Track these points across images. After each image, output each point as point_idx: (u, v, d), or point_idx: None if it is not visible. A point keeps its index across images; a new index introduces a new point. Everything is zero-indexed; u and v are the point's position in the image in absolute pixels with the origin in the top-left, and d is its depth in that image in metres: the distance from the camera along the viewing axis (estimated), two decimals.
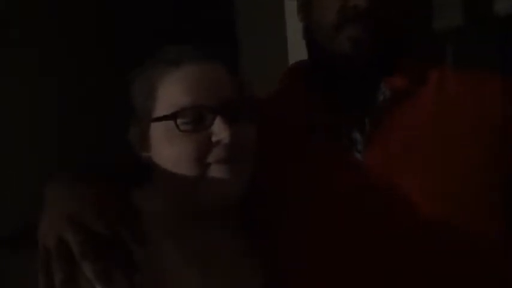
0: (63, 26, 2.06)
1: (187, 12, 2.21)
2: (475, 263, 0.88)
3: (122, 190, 0.84)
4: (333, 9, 0.95)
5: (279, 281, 0.91)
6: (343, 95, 0.99)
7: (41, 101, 1.99)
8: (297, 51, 1.09)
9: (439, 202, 0.90)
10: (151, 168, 0.90)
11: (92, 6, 2.12)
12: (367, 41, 0.94)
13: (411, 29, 1.08)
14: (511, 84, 0.97)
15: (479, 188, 0.91)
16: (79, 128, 2.01)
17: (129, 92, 0.92)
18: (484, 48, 1.61)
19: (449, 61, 1.62)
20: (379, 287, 0.88)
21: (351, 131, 0.96)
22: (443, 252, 0.88)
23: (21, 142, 1.92)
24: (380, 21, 0.94)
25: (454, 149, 0.92)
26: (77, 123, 2.02)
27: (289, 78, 1.09)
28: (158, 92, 0.88)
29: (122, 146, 0.92)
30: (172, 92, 0.86)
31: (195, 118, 0.85)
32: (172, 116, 0.84)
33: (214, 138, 0.84)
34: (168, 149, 0.86)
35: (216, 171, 0.85)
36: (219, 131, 0.84)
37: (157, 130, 0.87)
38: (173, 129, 0.84)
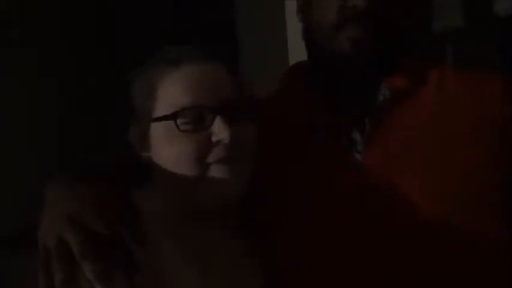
0: (63, 26, 2.06)
1: (187, 12, 2.21)
2: (475, 263, 0.88)
3: (122, 190, 0.84)
4: (332, 9, 0.95)
5: (279, 281, 0.91)
6: (343, 95, 0.99)
7: (41, 101, 1.98)
8: (297, 51, 1.09)
9: (439, 202, 0.90)
10: (151, 168, 0.90)
11: (92, 6, 2.12)
12: (366, 41, 0.94)
13: (411, 29, 1.08)
14: (511, 84, 0.97)
15: (479, 188, 0.91)
16: (79, 128, 2.01)
17: (129, 92, 0.92)
18: (484, 49, 1.61)
19: (449, 61, 1.63)
20: (379, 287, 0.88)
21: (350, 131, 0.96)
22: (443, 252, 0.88)
23: (21, 142, 1.91)
24: (379, 21, 0.94)
25: (454, 149, 0.92)
26: (77, 123, 2.02)
27: (289, 78, 1.09)
28: (158, 92, 0.88)
29: (122, 146, 0.92)
30: (172, 92, 0.87)
31: (195, 118, 0.85)
32: (172, 116, 0.84)
33: (214, 138, 0.84)
34: (168, 149, 0.86)
35: (216, 171, 0.85)
36: (219, 130, 0.84)
37: (157, 130, 0.87)
38: (173, 129, 0.84)
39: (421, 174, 0.91)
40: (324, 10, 0.96)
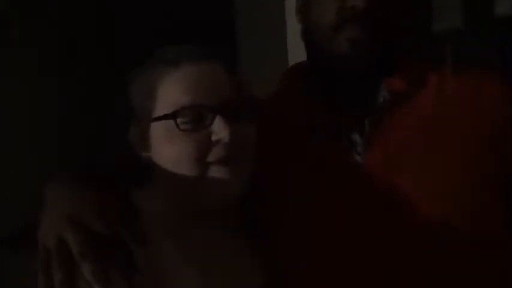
0: (63, 26, 2.06)
1: (187, 12, 2.21)
2: (475, 262, 0.88)
3: (122, 190, 0.84)
4: (331, 10, 0.95)
5: (279, 281, 0.91)
6: (342, 96, 0.99)
7: (41, 101, 1.98)
8: (297, 51, 1.09)
9: (439, 202, 0.90)
10: (151, 168, 0.90)
11: (92, 6, 2.12)
12: (365, 41, 0.94)
13: (410, 30, 1.08)
14: (511, 85, 0.97)
15: (479, 188, 0.91)
16: (79, 128, 2.01)
17: (128, 92, 0.92)
18: (484, 50, 1.62)
19: (449, 62, 1.63)
20: (379, 287, 0.88)
21: (350, 132, 0.96)
22: (443, 252, 0.88)
23: (21, 142, 1.91)
24: (378, 22, 0.94)
25: (454, 150, 0.93)
26: (77, 123, 2.02)
27: (289, 79, 1.09)
28: (158, 92, 0.88)
29: (122, 146, 0.92)
30: (172, 91, 0.87)
31: (194, 117, 0.85)
32: (172, 115, 0.85)
33: (214, 138, 0.84)
34: (168, 148, 0.86)
35: (216, 172, 0.85)
36: (219, 130, 0.84)
37: (157, 130, 0.88)
38: (173, 129, 0.84)
39: (420, 175, 0.91)
40: (323, 11, 0.96)
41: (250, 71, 1.73)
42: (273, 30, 1.78)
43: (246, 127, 0.88)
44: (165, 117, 0.85)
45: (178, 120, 0.84)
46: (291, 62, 1.45)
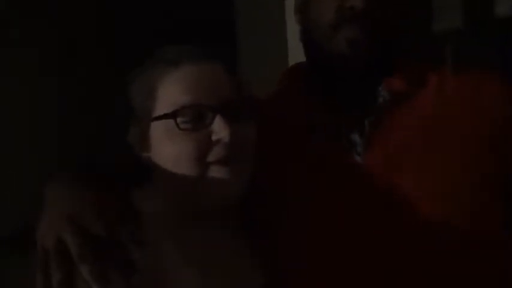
0: (63, 26, 2.06)
1: (187, 12, 2.21)
2: (474, 263, 0.88)
3: (122, 190, 0.84)
4: (330, 10, 0.95)
5: (279, 281, 0.91)
6: (342, 95, 0.99)
7: (41, 101, 1.99)
8: (297, 51, 1.09)
9: (439, 202, 0.90)
10: (151, 169, 0.90)
11: (92, 6, 2.12)
12: (364, 41, 0.94)
13: (409, 30, 1.08)
14: (511, 85, 0.97)
15: (479, 188, 0.91)
16: (79, 128, 2.01)
17: (128, 92, 0.92)
18: (484, 50, 1.62)
19: (449, 62, 1.63)
20: (379, 287, 0.88)
21: (350, 132, 0.96)
22: (443, 252, 0.88)
23: (21, 142, 1.92)
24: (377, 22, 0.94)
25: (454, 150, 0.93)
26: (77, 123, 2.03)
27: (289, 79, 1.09)
28: (158, 92, 0.88)
29: (122, 146, 0.92)
30: (171, 91, 0.87)
31: (194, 117, 0.85)
32: (172, 115, 0.85)
33: (214, 137, 0.84)
34: (168, 148, 0.86)
35: (216, 172, 0.85)
36: (219, 129, 0.84)
37: (157, 130, 0.88)
38: (173, 128, 0.84)
39: (420, 175, 0.91)
40: (322, 9, 0.96)
41: (250, 71, 1.73)
42: (273, 30, 1.78)
43: (246, 127, 0.88)
44: (165, 116, 0.85)
45: (178, 119, 0.84)
46: (291, 62, 1.45)
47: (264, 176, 0.93)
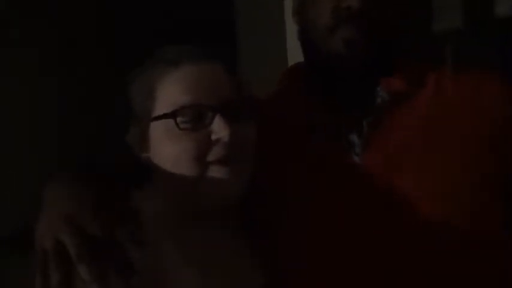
0: (63, 26, 2.06)
1: (187, 12, 2.21)
2: (474, 263, 0.88)
3: (122, 190, 0.84)
4: (327, 10, 0.95)
5: (279, 281, 0.91)
6: (342, 95, 0.99)
7: (41, 101, 1.99)
8: (296, 51, 1.09)
9: (439, 202, 0.90)
10: (151, 169, 0.90)
11: (92, 6, 2.12)
12: (360, 41, 0.94)
13: (408, 30, 1.08)
14: (511, 85, 0.97)
15: (479, 188, 0.91)
16: (79, 128, 2.01)
17: (128, 92, 0.92)
18: (484, 50, 1.62)
19: (449, 62, 1.63)
20: (379, 287, 0.88)
21: (349, 133, 0.96)
22: (443, 252, 0.88)
23: (21, 142, 1.92)
24: (373, 22, 0.94)
25: (453, 150, 0.93)
26: (77, 123, 2.03)
27: (288, 79, 1.09)
28: (158, 92, 0.88)
29: (122, 146, 0.92)
30: (171, 91, 0.87)
31: (194, 117, 0.85)
32: (172, 115, 0.85)
33: (214, 137, 0.84)
34: (168, 148, 0.86)
35: (215, 171, 0.85)
36: (219, 129, 0.84)
37: (157, 130, 0.88)
38: (173, 128, 0.84)
39: (420, 175, 0.91)
40: (319, 10, 0.96)
41: (250, 71, 1.73)
42: (273, 30, 1.78)
43: (246, 127, 0.88)
44: (165, 116, 0.85)
45: (178, 119, 0.84)
46: (291, 62, 1.44)
47: (264, 176, 0.93)
